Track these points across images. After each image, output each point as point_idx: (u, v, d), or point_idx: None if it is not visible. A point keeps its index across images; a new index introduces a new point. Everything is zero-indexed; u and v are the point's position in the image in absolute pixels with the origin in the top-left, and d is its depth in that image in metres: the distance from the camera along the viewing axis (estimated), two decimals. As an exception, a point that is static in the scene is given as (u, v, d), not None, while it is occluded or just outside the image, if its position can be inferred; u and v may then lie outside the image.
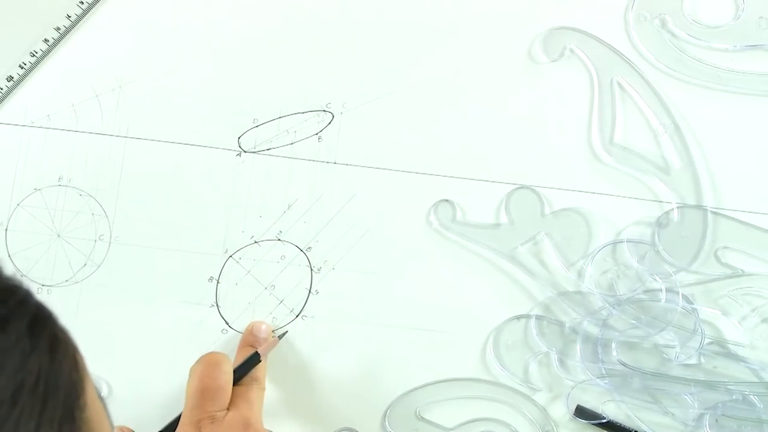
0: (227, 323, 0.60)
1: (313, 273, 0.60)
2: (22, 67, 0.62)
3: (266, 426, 0.55)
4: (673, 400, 0.58)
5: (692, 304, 0.58)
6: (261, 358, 0.56)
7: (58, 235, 0.61)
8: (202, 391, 0.53)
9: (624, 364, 0.58)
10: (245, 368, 0.56)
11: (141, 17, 0.62)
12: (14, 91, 0.62)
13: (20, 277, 0.60)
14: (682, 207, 0.60)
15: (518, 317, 0.59)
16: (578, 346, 0.58)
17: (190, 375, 0.54)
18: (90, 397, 0.35)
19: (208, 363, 0.54)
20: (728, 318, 0.59)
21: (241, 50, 0.62)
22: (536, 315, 0.59)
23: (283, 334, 0.58)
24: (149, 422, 0.59)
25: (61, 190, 0.61)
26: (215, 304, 0.60)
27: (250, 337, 0.59)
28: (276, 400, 0.56)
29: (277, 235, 0.61)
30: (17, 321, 0.32)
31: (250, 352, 0.57)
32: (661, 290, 0.58)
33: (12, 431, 0.30)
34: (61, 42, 0.62)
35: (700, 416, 0.57)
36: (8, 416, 0.30)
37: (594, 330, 0.58)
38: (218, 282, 0.60)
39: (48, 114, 0.62)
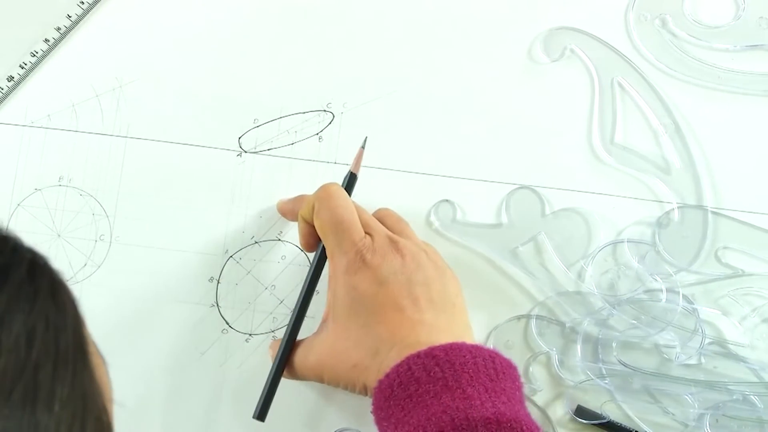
0: (227, 323, 0.60)
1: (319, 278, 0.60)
2: (22, 67, 0.62)
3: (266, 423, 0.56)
4: (673, 400, 0.58)
5: (693, 304, 0.58)
6: (358, 175, 0.57)
7: (59, 235, 0.61)
8: (341, 222, 0.53)
9: (624, 364, 0.58)
10: (349, 190, 0.56)
11: (141, 17, 0.62)
12: (15, 91, 0.62)
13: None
14: (683, 207, 0.60)
15: (518, 317, 0.59)
16: (578, 346, 0.58)
17: (316, 213, 0.54)
18: (89, 336, 0.36)
19: (329, 195, 0.54)
20: (728, 318, 0.59)
21: (242, 50, 0.62)
22: (536, 315, 0.59)
23: (365, 141, 0.57)
24: (149, 422, 0.59)
25: (61, 190, 0.61)
26: (215, 304, 0.60)
27: (292, 203, 0.59)
28: (276, 400, 0.56)
29: (278, 236, 0.61)
30: (16, 268, 0.33)
31: (302, 197, 0.57)
32: (661, 290, 0.58)
33: (31, 378, 0.31)
34: (62, 42, 0.62)
35: (701, 416, 0.57)
36: (26, 362, 0.31)
37: (594, 330, 0.58)
38: (218, 282, 0.60)
39: (48, 114, 0.62)
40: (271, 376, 0.55)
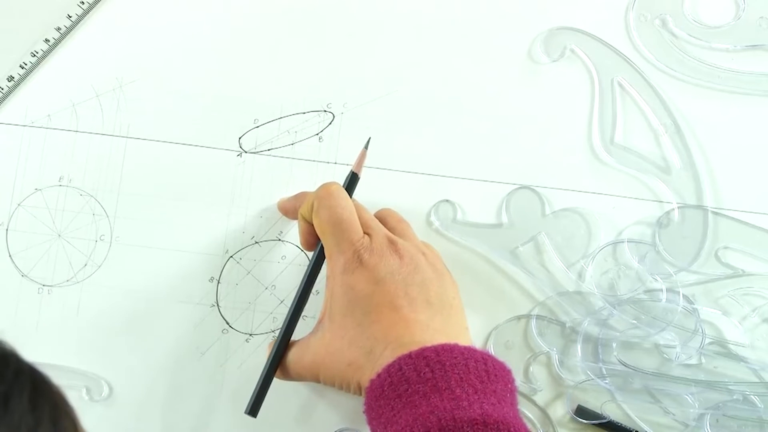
0: (228, 323, 0.60)
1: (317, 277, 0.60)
2: (22, 67, 0.62)
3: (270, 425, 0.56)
4: (673, 400, 0.58)
5: (693, 304, 0.58)
6: (359, 175, 0.56)
7: (59, 235, 0.61)
8: (340, 222, 0.53)
9: (624, 364, 0.58)
10: (350, 190, 0.56)
11: (141, 17, 0.62)
12: (15, 91, 0.62)
13: (21, 277, 0.60)
14: (683, 207, 0.60)
15: (518, 317, 0.59)
16: (578, 346, 0.58)
17: (315, 212, 0.54)
18: None
19: (329, 194, 0.54)
20: (729, 318, 0.59)
21: (242, 50, 0.62)
22: (536, 315, 0.59)
23: (368, 142, 0.57)
24: (149, 422, 0.59)
25: (61, 190, 0.61)
26: (216, 304, 0.60)
27: (293, 201, 0.59)
28: (276, 400, 0.56)
29: (278, 236, 0.61)
30: (18, 396, 0.31)
31: (303, 194, 0.58)
32: (661, 290, 0.58)
33: None
34: (62, 42, 0.62)
35: (701, 416, 0.57)
36: None
37: (594, 330, 0.58)
38: (219, 282, 0.60)
39: (48, 114, 0.62)
40: (265, 372, 0.55)
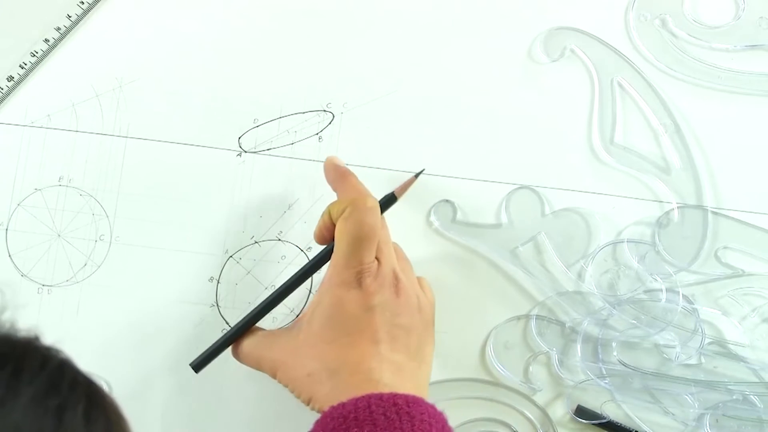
0: (228, 323, 0.60)
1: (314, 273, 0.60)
2: (22, 67, 0.62)
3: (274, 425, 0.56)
4: (673, 400, 0.58)
5: (692, 304, 0.58)
6: (398, 198, 0.55)
7: (59, 235, 0.61)
8: (360, 239, 0.52)
9: (624, 364, 0.58)
10: (384, 209, 0.55)
11: (141, 17, 0.62)
12: (14, 91, 0.62)
13: (21, 277, 0.60)
14: (683, 207, 0.60)
15: (518, 317, 0.59)
16: (578, 346, 0.58)
17: (344, 218, 0.52)
18: None
19: (364, 209, 0.52)
20: (728, 318, 0.59)
21: (242, 50, 0.62)
22: (536, 315, 0.59)
23: (420, 171, 0.57)
24: (149, 422, 0.59)
25: (61, 190, 0.61)
26: (215, 304, 0.60)
27: (337, 175, 0.56)
28: (276, 400, 0.56)
29: (278, 236, 0.61)
30: (72, 409, 0.31)
31: (347, 184, 0.55)
32: (661, 290, 0.58)
33: None
34: (62, 42, 0.62)
35: (701, 416, 0.57)
36: None
37: (594, 330, 0.58)
38: (218, 282, 0.60)
39: (48, 114, 0.62)
40: (225, 337, 0.55)
